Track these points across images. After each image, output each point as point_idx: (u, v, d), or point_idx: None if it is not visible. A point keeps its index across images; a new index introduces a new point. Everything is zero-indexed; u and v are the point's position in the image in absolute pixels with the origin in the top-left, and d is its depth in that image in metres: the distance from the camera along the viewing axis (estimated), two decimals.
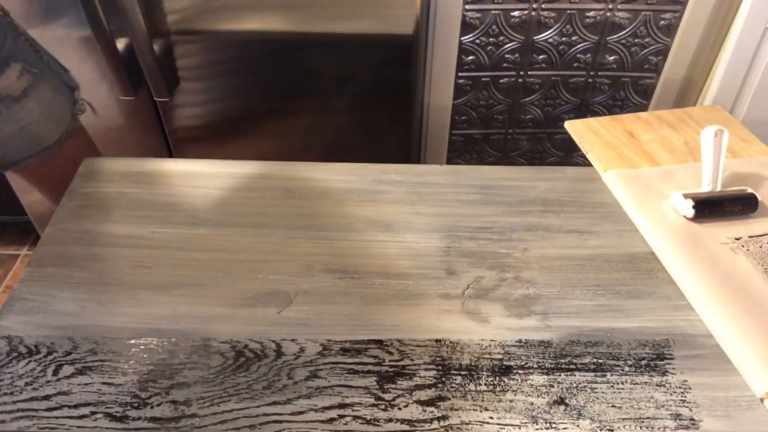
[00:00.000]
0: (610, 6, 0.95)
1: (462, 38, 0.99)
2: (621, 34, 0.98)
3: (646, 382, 0.55)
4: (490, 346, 0.58)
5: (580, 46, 1.00)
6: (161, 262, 0.65)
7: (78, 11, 1.03)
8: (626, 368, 0.56)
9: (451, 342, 0.58)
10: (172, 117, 1.19)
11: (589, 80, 1.05)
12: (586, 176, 0.78)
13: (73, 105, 0.85)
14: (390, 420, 0.52)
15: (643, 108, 1.09)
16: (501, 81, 1.05)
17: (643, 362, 0.57)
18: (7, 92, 0.74)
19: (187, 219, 0.70)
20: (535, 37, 0.99)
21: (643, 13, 0.96)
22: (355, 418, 0.52)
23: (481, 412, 0.53)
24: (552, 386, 0.55)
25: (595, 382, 0.55)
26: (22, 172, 0.85)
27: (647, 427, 0.52)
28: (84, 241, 0.68)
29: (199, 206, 0.72)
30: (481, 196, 0.75)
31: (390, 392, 0.54)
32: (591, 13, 0.96)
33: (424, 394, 0.54)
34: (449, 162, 1.16)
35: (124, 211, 0.71)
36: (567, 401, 0.54)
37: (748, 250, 0.66)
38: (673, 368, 0.56)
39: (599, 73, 1.04)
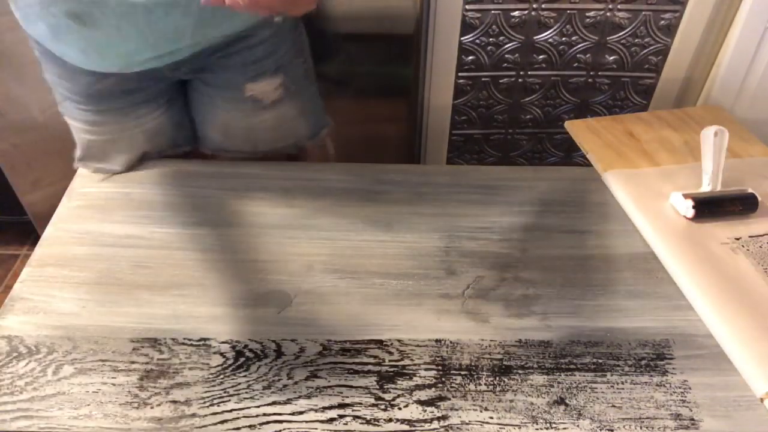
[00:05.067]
0: (610, 6, 0.95)
1: (462, 38, 0.99)
2: (621, 34, 0.98)
3: (646, 382, 0.55)
4: (490, 346, 0.58)
5: (580, 46, 1.00)
6: (161, 262, 0.65)
7: None
8: (626, 368, 0.56)
9: (451, 342, 0.58)
10: None
11: (589, 80, 1.04)
12: (586, 176, 0.78)
13: (313, 136, 0.84)
14: (390, 420, 0.52)
15: (643, 108, 1.09)
16: (501, 81, 1.05)
17: (643, 362, 0.57)
18: (260, 96, 0.75)
19: (187, 219, 0.70)
20: (535, 37, 0.98)
21: (643, 13, 0.96)
22: (355, 418, 0.52)
23: (481, 412, 0.53)
24: (552, 386, 0.55)
25: (595, 382, 0.55)
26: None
27: (647, 427, 0.52)
28: (84, 241, 0.67)
29: (199, 206, 0.72)
30: (481, 196, 0.75)
31: (390, 392, 0.54)
32: (591, 13, 0.96)
33: (424, 394, 0.54)
34: (449, 162, 1.16)
35: (124, 211, 0.71)
36: (567, 401, 0.54)
37: (748, 250, 0.66)
38: (673, 368, 0.56)
39: (599, 73, 1.03)
